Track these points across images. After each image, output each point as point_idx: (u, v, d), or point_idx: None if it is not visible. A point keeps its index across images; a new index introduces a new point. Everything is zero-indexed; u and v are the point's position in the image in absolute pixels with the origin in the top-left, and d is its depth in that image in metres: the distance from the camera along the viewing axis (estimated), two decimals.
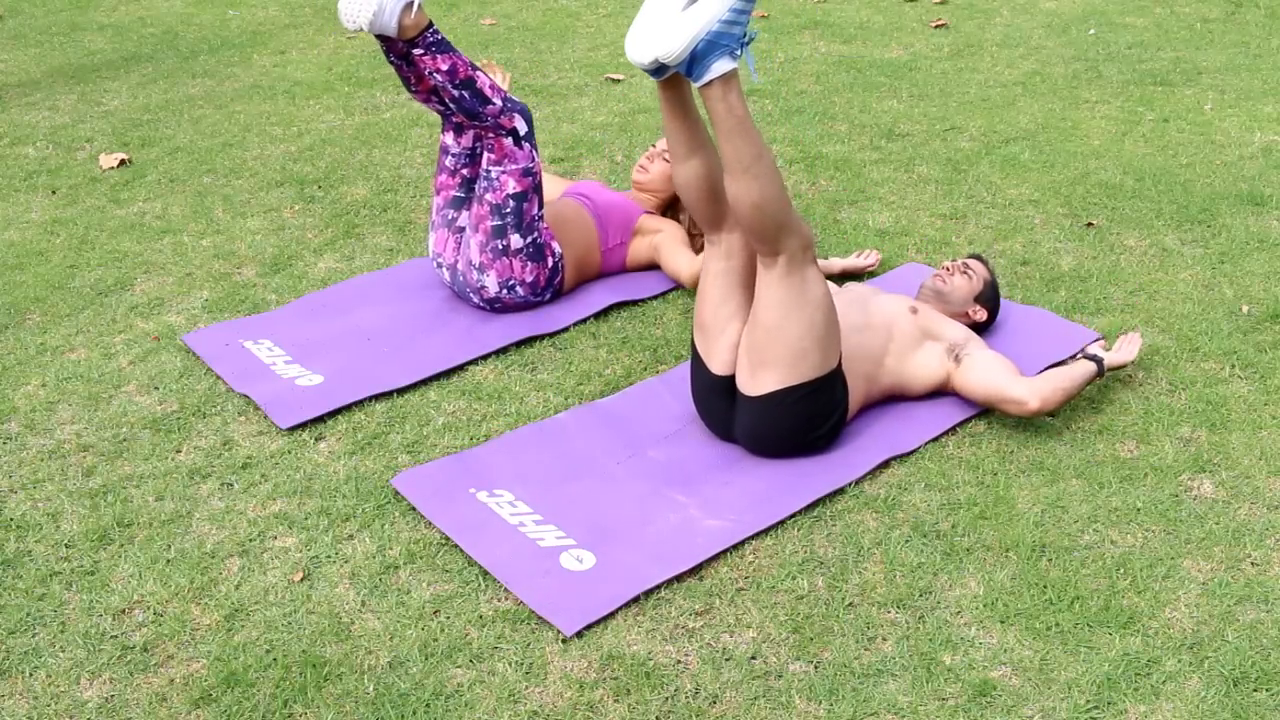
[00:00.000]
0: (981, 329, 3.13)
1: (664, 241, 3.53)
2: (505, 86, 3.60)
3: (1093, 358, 2.86)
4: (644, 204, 3.66)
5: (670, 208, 3.69)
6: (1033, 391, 2.72)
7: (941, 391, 2.90)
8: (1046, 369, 2.98)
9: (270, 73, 5.61)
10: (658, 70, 2.43)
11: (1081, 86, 5.17)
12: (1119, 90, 5.10)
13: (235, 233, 3.93)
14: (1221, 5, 6.37)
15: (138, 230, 3.95)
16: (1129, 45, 5.72)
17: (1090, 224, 3.86)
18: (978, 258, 3.18)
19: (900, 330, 2.86)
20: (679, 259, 3.48)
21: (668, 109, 2.55)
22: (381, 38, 3.07)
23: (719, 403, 2.73)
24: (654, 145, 3.71)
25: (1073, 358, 2.99)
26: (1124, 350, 2.95)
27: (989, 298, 3.11)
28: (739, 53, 2.38)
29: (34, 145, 4.72)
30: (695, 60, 2.35)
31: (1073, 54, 5.62)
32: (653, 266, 3.61)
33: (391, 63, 3.17)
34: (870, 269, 3.55)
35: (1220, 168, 4.26)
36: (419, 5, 3.01)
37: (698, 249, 3.56)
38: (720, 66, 2.36)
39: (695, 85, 2.41)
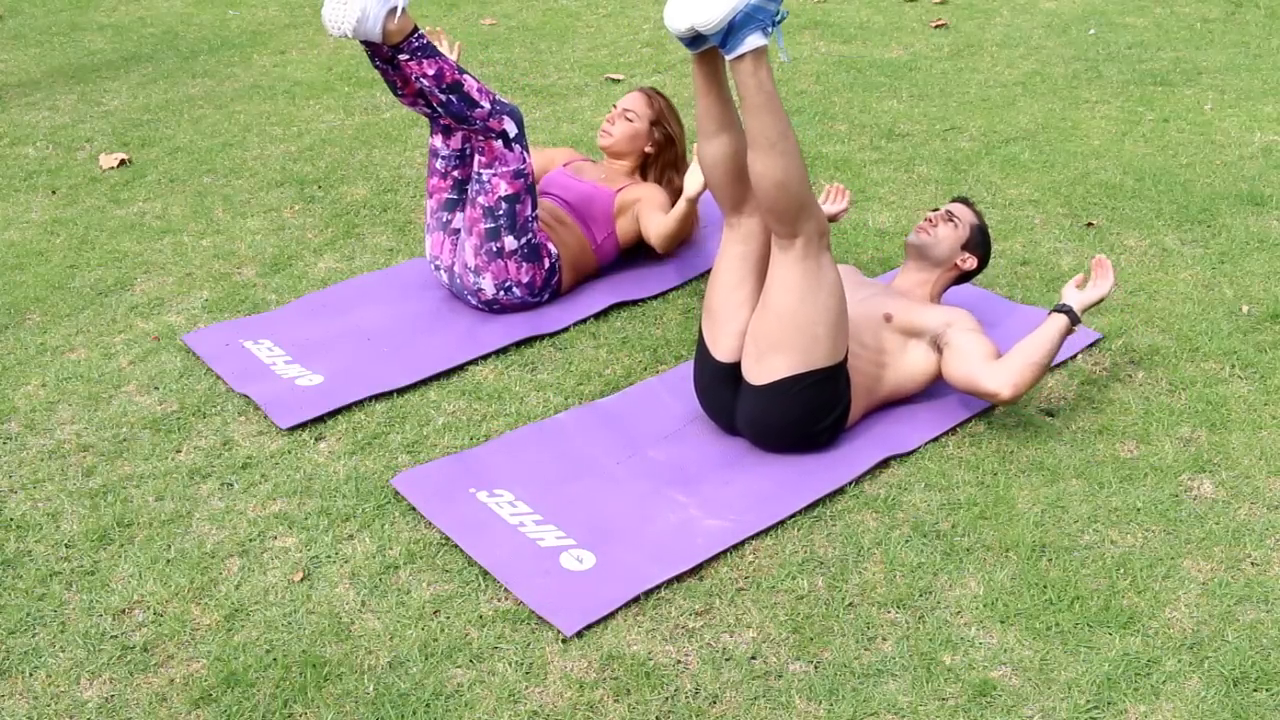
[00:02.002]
0: (974, 274, 3.10)
1: (642, 208, 3.52)
2: (454, 55, 3.49)
3: (1062, 308, 2.79)
4: (616, 172, 3.64)
5: (644, 167, 3.66)
6: (1004, 382, 2.67)
7: (942, 384, 2.89)
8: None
9: (270, 73, 5.61)
10: (693, 41, 2.45)
11: (1081, 86, 5.17)
12: (1119, 90, 5.10)
13: (235, 233, 3.93)
14: (1221, 5, 6.37)
15: (138, 230, 3.95)
16: (1129, 45, 5.72)
17: (1090, 224, 3.86)
18: (962, 200, 3.12)
19: (885, 341, 2.83)
20: (651, 220, 3.47)
21: (701, 83, 2.57)
22: (366, 43, 3.06)
23: (722, 391, 2.73)
24: (614, 106, 3.68)
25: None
26: (1098, 283, 2.87)
27: (978, 243, 3.05)
28: (770, 30, 2.40)
29: (34, 145, 4.72)
30: (731, 32, 2.38)
31: (1073, 54, 5.62)
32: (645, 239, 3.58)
33: (377, 67, 3.16)
34: (844, 212, 3.45)
35: (1220, 168, 4.26)
36: (403, 10, 3.00)
37: (670, 191, 3.57)
38: (754, 41, 2.39)
39: (727, 58, 2.43)
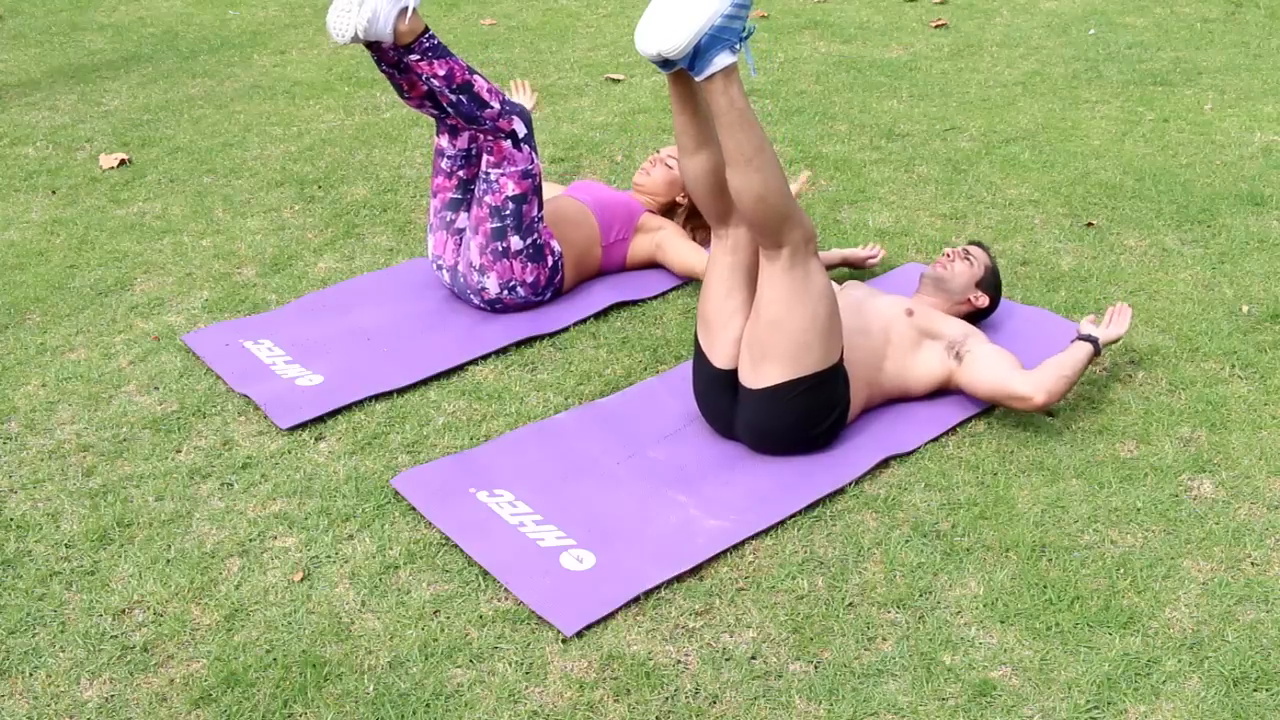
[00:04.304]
0: (984, 315, 3.13)
1: (668, 239, 3.54)
2: (531, 105, 3.65)
3: (1087, 338, 2.86)
4: (645, 205, 3.67)
5: (669, 213, 3.70)
6: (1037, 386, 2.72)
7: (944, 390, 2.90)
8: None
9: (270, 73, 5.61)
10: (664, 64, 2.46)
11: (1081, 86, 5.17)
12: (1119, 90, 5.10)
13: (235, 233, 3.93)
14: (1221, 5, 6.37)
15: (138, 230, 3.95)
16: (1129, 45, 5.72)
17: (1090, 224, 3.86)
18: (978, 244, 3.19)
19: (898, 333, 2.86)
20: (688, 254, 3.50)
21: (677, 103, 2.57)
22: (372, 46, 3.05)
23: (721, 398, 2.74)
24: (657, 151, 3.72)
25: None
26: (1116, 324, 2.95)
27: (991, 284, 3.11)
28: (738, 47, 2.40)
29: (34, 145, 4.72)
30: (698, 54, 2.38)
31: (1073, 54, 5.62)
32: (651, 265, 3.61)
33: (384, 71, 3.15)
34: (872, 266, 3.54)
35: (1220, 168, 4.26)
36: (414, 10, 2.99)
37: (698, 243, 3.59)
38: (721, 60, 2.39)
39: (697, 79, 2.43)
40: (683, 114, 2.58)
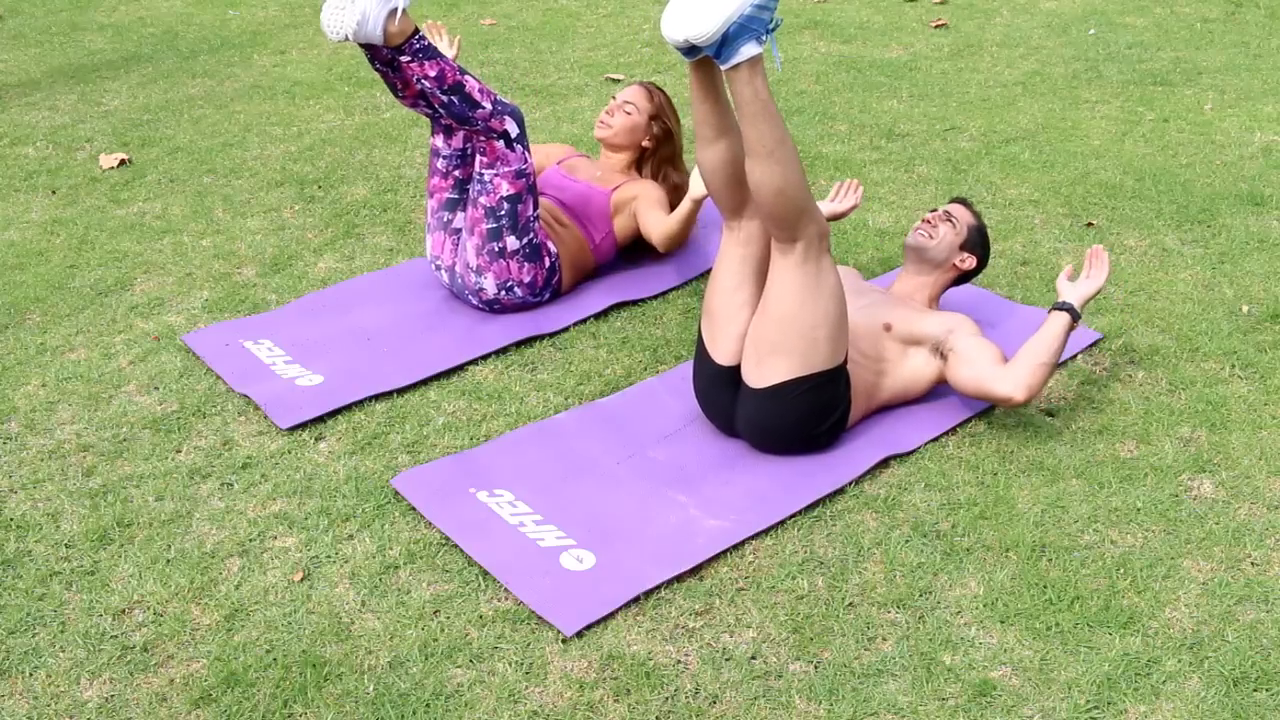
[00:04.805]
0: (974, 275, 3.10)
1: (640, 205, 3.52)
2: (454, 51, 3.53)
3: (1063, 306, 2.81)
4: (614, 166, 3.64)
5: (640, 161, 3.66)
6: (1016, 384, 2.68)
7: (944, 387, 2.90)
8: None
9: (270, 73, 5.61)
10: (690, 50, 2.46)
11: (1081, 86, 5.17)
12: (1119, 90, 5.10)
13: (235, 233, 3.93)
14: (1221, 5, 6.37)
15: (138, 230, 3.95)
16: (1129, 45, 5.72)
17: (1090, 224, 3.86)
18: (961, 201, 3.13)
19: (885, 350, 2.84)
20: (650, 218, 3.47)
21: (698, 91, 2.57)
22: (366, 46, 3.05)
23: (722, 394, 2.73)
24: (612, 98, 3.68)
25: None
26: (1094, 275, 2.90)
27: (976, 243, 3.07)
28: (765, 38, 2.40)
29: (34, 145, 4.72)
30: (725, 43, 2.38)
31: (1073, 54, 5.62)
32: (640, 235, 3.58)
33: (377, 70, 3.15)
34: (854, 208, 3.44)
35: (1220, 168, 4.26)
36: (403, 11, 2.99)
37: (676, 182, 3.59)
38: (748, 50, 2.39)
39: (722, 68, 2.43)
40: (704, 103, 2.58)
